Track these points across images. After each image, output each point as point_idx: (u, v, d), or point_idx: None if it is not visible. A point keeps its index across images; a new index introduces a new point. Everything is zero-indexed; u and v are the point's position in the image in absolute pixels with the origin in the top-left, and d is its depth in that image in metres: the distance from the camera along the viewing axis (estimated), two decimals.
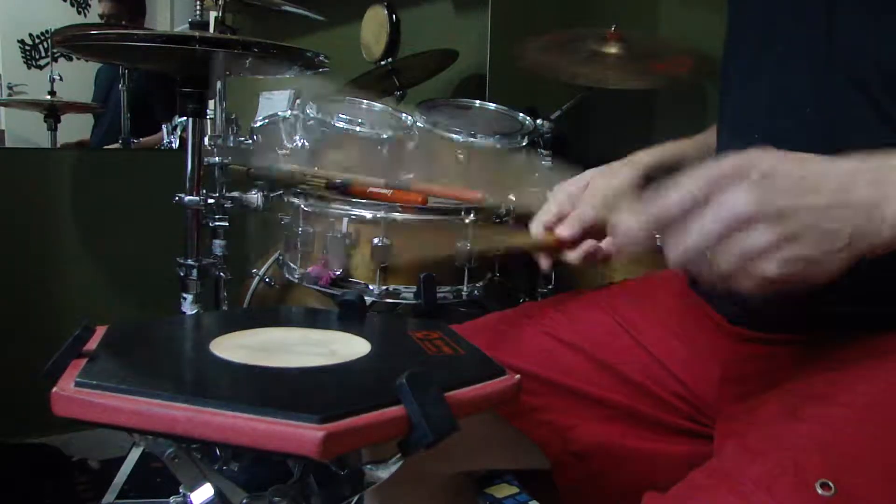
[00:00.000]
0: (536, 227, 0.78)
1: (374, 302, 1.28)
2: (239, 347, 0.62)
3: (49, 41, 1.99)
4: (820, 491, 0.46)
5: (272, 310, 1.51)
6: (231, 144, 1.53)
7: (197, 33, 1.17)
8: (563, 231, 0.77)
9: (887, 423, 0.52)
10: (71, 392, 0.51)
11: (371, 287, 1.27)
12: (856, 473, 0.48)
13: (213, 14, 1.66)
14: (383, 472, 0.55)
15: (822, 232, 0.48)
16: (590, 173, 0.80)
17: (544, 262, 0.80)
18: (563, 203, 0.78)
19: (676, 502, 0.51)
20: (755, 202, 0.48)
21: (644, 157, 0.82)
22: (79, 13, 2.03)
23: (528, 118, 1.68)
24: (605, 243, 0.78)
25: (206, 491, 0.58)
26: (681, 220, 0.51)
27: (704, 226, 0.49)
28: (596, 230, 0.77)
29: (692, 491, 0.51)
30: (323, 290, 1.30)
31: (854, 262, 0.49)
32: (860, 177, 0.49)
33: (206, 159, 1.39)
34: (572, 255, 0.77)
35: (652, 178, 0.81)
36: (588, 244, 0.77)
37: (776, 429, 0.54)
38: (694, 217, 0.50)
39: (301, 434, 0.46)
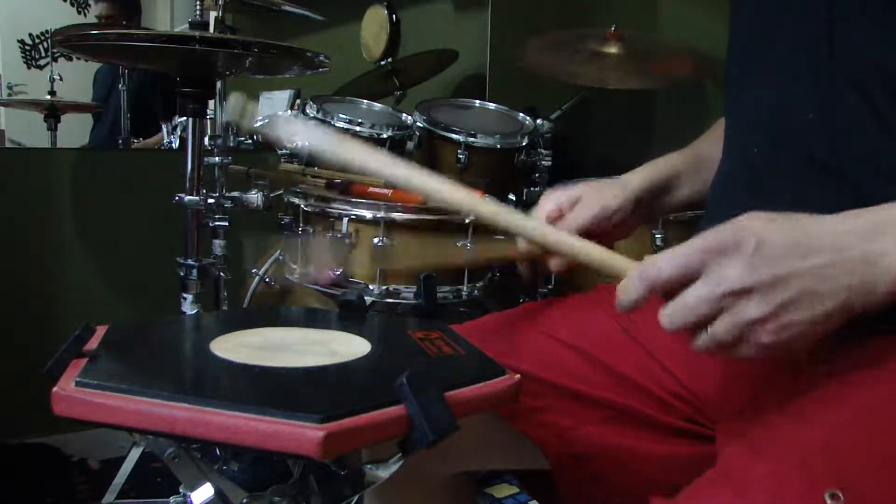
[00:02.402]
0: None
1: (374, 302, 1.28)
2: (239, 347, 0.62)
3: (49, 41, 1.99)
4: (829, 501, 0.46)
5: (272, 310, 1.51)
6: (231, 144, 1.54)
7: (197, 33, 1.17)
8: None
9: (891, 423, 0.52)
10: (71, 392, 0.51)
11: (371, 287, 1.27)
12: (863, 476, 0.48)
13: (213, 14, 1.66)
14: (383, 472, 0.55)
15: (817, 295, 0.49)
16: (581, 187, 0.79)
17: (524, 272, 0.80)
18: (552, 212, 0.77)
19: None
20: (749, 275, 0.49)
21: (634, 180, 0.82)
22: (79, 13, 2.03)
23: (528, 118, 1.68)
24: None
25: (206, 491, 0.58)
26: (676, 289, 0.52)
27: (700, 297, 0.51)
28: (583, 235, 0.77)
29: (697, 496, 0.51)
30: (323, 290, 1.30)
31: (850, 320, 0.50)
32: (854, 234, 0.50)
33: (206, 159, 1.39)
34: (553, 263, 0.76)
35: (642, 202, 0.81)
36: (566, 262, 0.76)
37: (780, 431, 0.54)
38: (688, 287, 0.51)
39: (301, 434, 0.46)
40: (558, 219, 0.77)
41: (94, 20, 2.05)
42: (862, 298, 0.49)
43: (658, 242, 1.39)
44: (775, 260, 0.49)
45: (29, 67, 2.00)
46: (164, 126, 2.13)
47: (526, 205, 1.54)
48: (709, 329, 0.51)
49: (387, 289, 1.28)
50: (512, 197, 1.48)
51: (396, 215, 1.26)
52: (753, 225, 0.51)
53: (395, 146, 1.62)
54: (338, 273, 1.28)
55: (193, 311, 1.35)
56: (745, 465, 0.51)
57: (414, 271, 1.25)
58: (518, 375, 0.59)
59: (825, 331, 0.50)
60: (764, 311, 0.49)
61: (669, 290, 0.53)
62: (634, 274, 0.54)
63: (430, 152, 1.61)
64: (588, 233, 0.77)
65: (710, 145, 0.81)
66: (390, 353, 0.65)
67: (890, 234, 0.50)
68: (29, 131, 2.02)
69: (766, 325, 0.49)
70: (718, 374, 0.69)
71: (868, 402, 0.53)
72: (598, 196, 0.78)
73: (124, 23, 2.11)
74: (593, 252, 0.63)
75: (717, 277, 0.50)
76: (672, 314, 0.52)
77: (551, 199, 0.79)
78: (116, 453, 1.66)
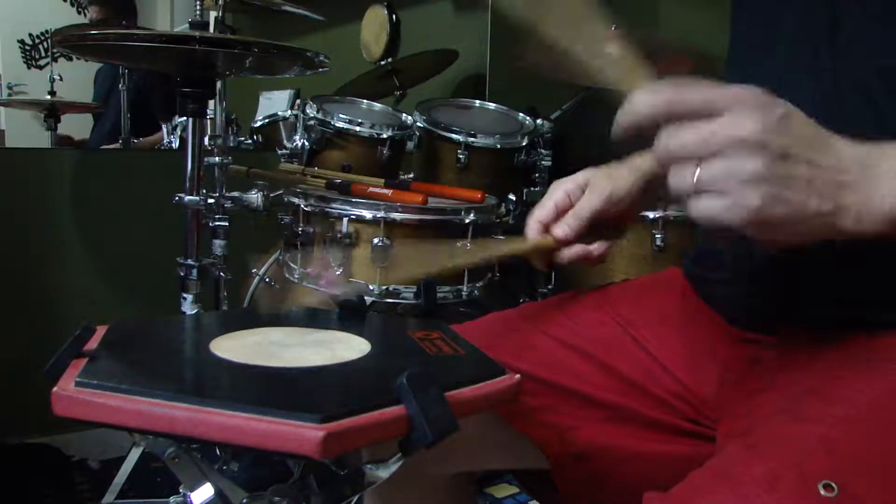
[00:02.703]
0: (533, 225, 0.78)
1: (374, 302, 1.28)
2: (239, 347, 0.62)
3: (49, 41, 1.99)
4: (823, 492, 0.46)
5: (272, 310, 1.51)
6: (231, 144, 1.54)
7: (197, 33, 1.17)
8: (560, 231, 0.77)
9: (889, 423, 0.52)
10: (71, 392, 0.51)
11: (371, 287, 1.27)
12: (858, 474, 0.48)
13: (213, 14, 1.66)
14: (383, 472, 0.55)
15: (818, 189, 0.48)
16: (588, 172, 0.79)
17: (540, 265, 0.80)
18: (561, 200, 0.78)
19: (677, 502, 0.51)
20: (765, 132, 0.47)
21: (643, 163, 0.81)
22: (79, 13, 2.03)
23: (528, 118, 1.68)
24: (597, 246, 0.78)
25: (206, 491, 0.58)
26: (689, 117, 0.49)
27: (708, 132, 0.48)
28: (594, 228, 0.78)
29: (693, 491, 0.51)
30: (323, 290, 1.30)
31: (832, 240, 0.49)
32: (885, 160, 0.49)
33: (206, 159, 1.39)
34: (564, 255, 0.77)
35: (652, 184, 0.81)
36: (579, 248, 0.77)
37: (777, 428, 0.54)
38: (702, 120, 0.48)
39: (301, 434, 0.46)
40: (568, 207, 0.77)
41: (89, 24, 2.05)
42: (852, 220, 0.49)
43: (658, 242, 1.39)
44: (795, 137, 0.48)
45: (29, 67, 2.00)
46: (164, 126, 2.13)
47: (526, 205, 1.54)
48: (698, 168, 0.48)
49: (387, 289, 1.28)
50: (512, 197, 1.48)
51: (396, 215, 1.26)
52: (791, 103, 0.49)
53: (395, 146, 1.62)
54: (338, 273, 1.28)
55: (193, 311, 1.35)
56: (741, 461, 0.51)
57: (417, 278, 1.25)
58: (518, 375, 0.59)
59: (805, 234, 0.49)
60: (761, 172, 0.47)
61: (685, 118, 0.49)
62: (659, 87, 0.51)
63: (430, 152, 1.62)
64: (598, 218, 0.77)
65: None
66: (390, 353, 0.65)
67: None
68: (29, 131, 2.02)
69: (756, 185, 0.47)
70: (719, 374, 0.70)
71: (865, 399, 0.53)
72: (606, 181, 0.78)
73: (123, 23, 2.11)
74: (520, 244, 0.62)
75: (733, 121, 0.47)
76: (664, 142, 0.50)
77: (560, 188, 0.78)
78: (116, 453, 1.66)
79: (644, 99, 0.51)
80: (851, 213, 0.49)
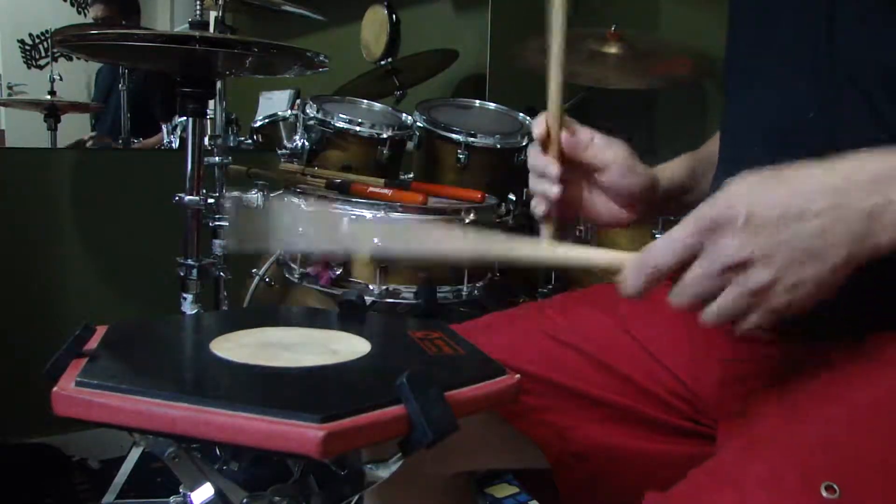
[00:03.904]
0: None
1: (374, 302, 1.28)
2: (239, 347, 0.62)
3: (49, 41, 1.99)
4: (824, 493, 0.46)
5: (272, 310, 1.51)
6: (231, 144, 1.54)
7: (197, 33, 1.17)
8: (575, 133, 0.71)
9: (890, 423, 0.52)
10: (72, 392, 0.51)
11: (371, 287, 1.27)
12: (860, 474, 0.48)
13: (213, 14, 1.66)
14: (383, 472, 0.55)
15: (818, 253, 0.49)
16: (618, 140, 0.76)
17: (538, 130, 0.71)
18: (585, 137, 0.71)
19: (677, 502, 0.51)
20: (746, 246, 0.49)
21: (660, 173, 0.79)
22: (79, 13, 2.03)
23: (528, 118, 1.68)
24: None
25: (206, 490, 0.58)
26: (678, 271, 0.52)
27: (701, 275, 0.51)
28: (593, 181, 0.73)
29: (693, 491, 0.51)
30: (323, 290, 1.30)
31: (859, 268, 0.50)
32: (854, 189, 0.49)
33: (206, 159, 1.39)
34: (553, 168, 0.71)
35: (664, 194, 0.78)
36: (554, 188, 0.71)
37: (778, 428, 0.54)
38: (689, 267, 0.52)
39: (301, 433, 0.46)
40: (588, 145, 0.71)
41: (93, 22, 2.05)
42: (866, 250, 0.49)
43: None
44: (768, 229, 0.49)
45: (29, 67, 2.00)
46: (164, 126, 2.13)
47: (526, 204, 1.54)
48: (719, 301, 0.51)
49: (386, 289, 1.28)
50: (512, 197, 1.48)
51: (396, 215, 1.26)
52: (742, 193, 0.51)
53: (395, 146, 1.62)
54: (338, 273, 1.28)
55: (193, 311, 1.35)
56: (742, 461, 0.51)
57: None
58: (518, 375, 0.59)
59: (833, 284, 0.50)
60: (767, 278, 0.49)
61: (672, 274, 0.53)
62: (633, 266, 0.54)
63: (430, 152, 1.61)
64: (604, 182, 0.72)
65: None
66: (390, 353, 0.65)
67: (890, 184, 0.49)
68: (29, 131, 2.02)
69: (773, 289, 0.49)
70: (719, 374, 0.70)
71: (866, 399, 0.53)
72: (630, 152, 0.73)
73: (123, 23, 2.11)
74: (595, 255, 0.62)
75: (713, 254, 0.50)
76: (677, 294, 0.53)
77: (587, 129, 0.72)
78: (116, 453, 1.66)
79: (632, 289, 0.54)
80: (864, 243, 0.49)
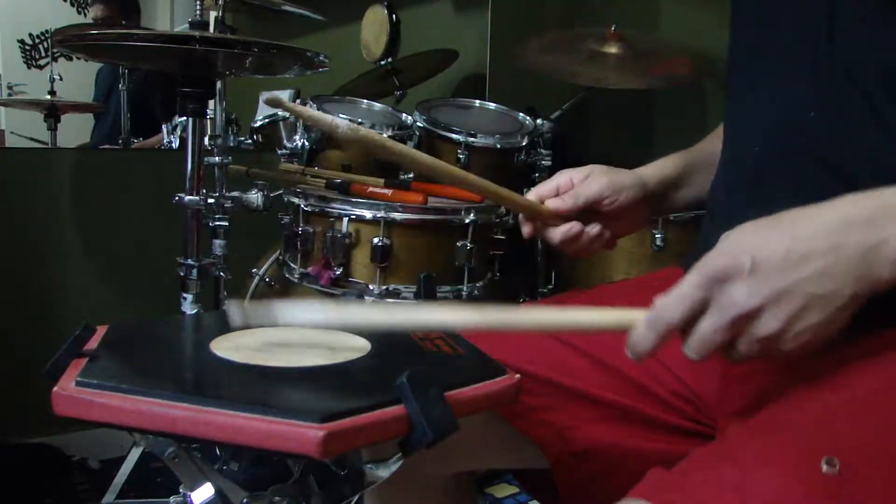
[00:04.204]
0: (531, 197, 0.78)
1: (374, 302, 1.28)
2: (239, 347, 0.62)
3: (49, 41, 1.99)
4: (825, 468, 0.46)
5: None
6: (231, 144, 1.54)
7: (197, 33, 1.17)
8: (557, 202, 0.77)
9: (890, 411, 0.52)
10: (72, 391, 0.51)
11: (371, 287, 1.27)
12: (860, 454, 0.48)
13: (213, 14, 1.66)
14: (383, 472, 0.55)
15: (824, 297, 0.50)
16: (592, 166, 0.80)
17: (527, 229, 0.79)
18: (564, 182, 0.78)
19: (678, 476, 0.51)
20: (753, 296, 0.50)
21: (647, 172, 0.82)
22: (79, 13, 2.03)
23: (528, 118, 1.68)
24: (590, 229, 0.78)
25: (207, 490, 0.58)
26: (689, 325, 0.53)
27: (713, 328, 0.52)
28: (590, 213, 0.78)
29: (694, 468, 0.51)
30: (323, 290, 1.30)
31: (863, 304, 0.51)
32: (852, 228, 0.50)
33: (206, 159, 1.39)
34: (556, 232, 0.77)
35: (654, 194, 0.81)
36: (572, 225, 0.77)
37: (779, 413, 0.54)
38: (700, 319, 0.52)
39: (301, 433, 0.46)
40: (569, 189, 0.77)
41: (93, 22, 2.05)
42: (869, 286, 0.50)
43: (658, 242, 1.39)
44: (774, 274, 0.50)
45: (29, 67, 2.00)
46: (164, 126, 2.13)
47: None
48: (734, 350, 0.52)
49: (386, 289, 1.28)
50: None
51: (396, 215, 1.26)
52: (745, 241, 0.52)
53: None
54: (338, 273, 1.28)
55: (193, 311, 1.35)
56: (742, 441, 0.52)
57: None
58: (518, 375, 0.59)
59: (843, 322, 0.51)
60: (777, 326, 0.50)
61: (685, 328, 0.53)
62: (643, 325, 0.54)
63: (430, 152, 1.61)
64: (595, 209, 0.77)
65: (719, 143, 0.81)
66: (390, 353, 0.65)
67: (887, 221, 0.50)
68: (29, 131, 2.02)
69: (784, 336, 0.50)
70: (719, 374, 0.70)
71: (867, 388, 0.54)
72: (609, 173, 0.79)
73: (123, 23, 2.11)
74: (596, 316, 0.61)
75: (722, 306, 0.51)
76: (693, 349, 0.53)
77: (563, 174, 0.79)
78: (116, 453, 1.66)
79: (643, 348, 0.55)
80: (868, 280, 0.50)
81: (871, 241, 0.49)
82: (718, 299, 0.51)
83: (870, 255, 0.49)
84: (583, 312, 0.61)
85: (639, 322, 0.55)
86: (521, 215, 0.80)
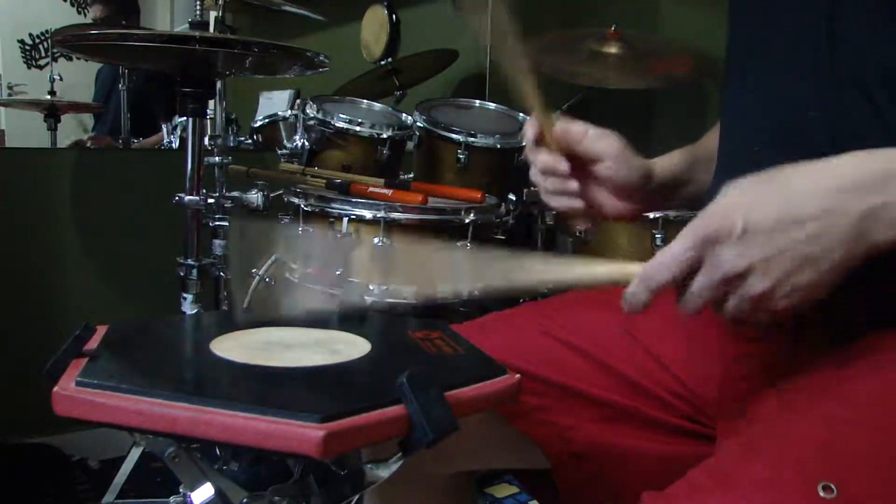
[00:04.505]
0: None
1: (374, 302, 1.28)
2: (239, 347, 0.62)
3: (49, 41, 1.99)
4: (822, 493, 0.46)
5: (272, 310, 1.51)
6: (231, 144, 1.54)
7: (197, 33, 1.17)
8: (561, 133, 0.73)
9: (888, 421, 0.52)
10: (72, 392, 0.51)
11: (371, 287, 1.27)
12: (857, 474, 0.48)
13: (213, 14, 1.66)
14: (383, 472, 0.55)
15: (815, 257, 0.50)
16: (613, 132, 0.77)
17: (530, 132, 0.74)
18: (578, 131, 0.73)
19: (675, 502, 0.51)
20: (742, 257, 0.50)
21: (656, 164, 0.80)
22: (79, 13, 2.03)
23: (528, 118, 1.68)
24: (571, 183, 0.74)
25: (207, 490, 0.58)
26: (680, 283, 0.54)
27: (703, 287, 0.53)
28: (585, 172, 0.75)
29: (691, 490, 0.51)
30: (323, 289, 1.30)
31: (860, 263, 0.50)
32: (850, 191, 0.50)
33: (206, 159, 1.39)
34: (540, 157, 0.73)
35: (661, 185, 0.79)
36: (559, 160, 0.73)
37: (777, 427, 0.54)
38: (690, 279, 0.53)
39: (301, 433, 0.46)
40: (582, 137, 0.73)
41: (92, 22, 2.05)
42: (862, 249, 0.50)
43: (658, 242, 1.39)
44: (765, 236, 0.50)
45: (29, 67, 2.00)
46: (164, 126, 2.13)
47: (526, 205, 1.54)
48: (724, 306, 0.53)
49: (387, 289, 1.28)
50: (512, 197, 1.48)
51: (396, 215, 1.26)
52: (737, 203, 0.52)
53: (395, 146, 1.62)
54: (338, 273, 1.28)
55: (193, 311, 1.35)
56: (739, 461, 0.51)
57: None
58: (518, 375, 0.59)
59: (831, 283, 0.51)
60: (766, 286, 0.50)
61: (676, 285, 0.54)
62: (637, 280, 0.55)
63: (430, 152, 1.61)
64: (601, 174, 0.74)
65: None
66: (390, 353, 0.65)
67: (888, 183, 0.50)
68: (29, 131, 2.02)
69: (774, 294, 0.51)
70: (718, 374, 0.70)
71: (865, 398, 0.53)
72: (624, 145, 0.75)
73: (123, 23, 2.11)
74: (597, 268, 0.62)
75: (712, 266, 0.52)
76: (683, 304, 0.54)
77: (581, 124, 0.74)
78: (116, 453, 1.66)
79: (635, 302, 0.56)
80: (861, 242, 0.50)
81: (869, 204, 0.49)
82: (708, 260, 0.52)
83: (868, 218, 0.49)
84: (583, 266, 0.62)
85: (633, 276, 0.56)
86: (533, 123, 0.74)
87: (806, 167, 0.52)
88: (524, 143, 0.76)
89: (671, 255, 0.53)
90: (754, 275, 0.50)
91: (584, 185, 0.75)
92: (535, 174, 0.76)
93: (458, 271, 0.68)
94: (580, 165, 0.74)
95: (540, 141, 0.74)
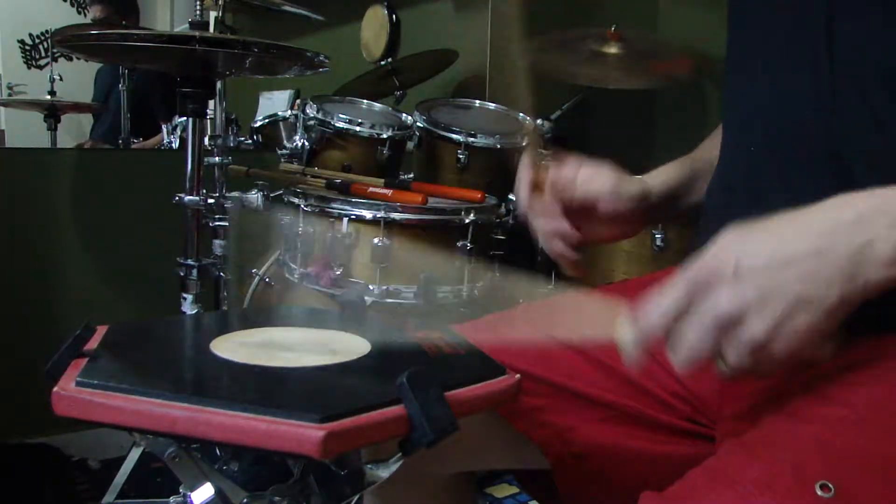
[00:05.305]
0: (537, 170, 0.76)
1: (374, 302, 1.28)
2: (239, 347, 0.62)
3: (49, 41, 1.99)
4: (819, 492, 0.46)
5: (272, 310, 1.51)
6: (231, 144, 1.54)
7: (197, 33, 1.17)
8: (554, 169, 0.75)
9: (887, 423, 0.52)
10: (72, 392, 0.51)
11: (371, 287, 1.27)
12: (855, 474, 0.48)
13: (213, 14, 1.66)
14: (383, 472, 0.55)
15: (810, 299, 0.48)
16: (603, 164, 0.78)
17: (524, 191, 0.77)
18: (570, 171, 0.76)
19: (674, 502, 0.51)
20: (735, 299, 0.49)
21: (653, 182, 0.80)
22: (79, 13, 2.03)
23: (528, 118, 1.68)
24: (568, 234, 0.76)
25: (207, 490, 0.58)
26: (673, 330, 0.52)
27: (696, 334, 0.50)
28: (582, 215, 0.76)
29: (690, 491, 0.51)
30: (323, 290, 1.30)
31: (860, 302, 0.49)
32: (838, 230, 0.49)
33: (206, 159, 1.39)
34: (539, 220, 0.75)
35: (658, 204, 0.80)
36: (558, 222, 0.75)
37: (775, 428, 0.54)
38: (683, 325, 0.51)
39: (301, 433, 0.46)
40: (574, 180, 0.75)
41: (91, 23, 2.05)
42: (857, 289, 0.49)
43: (658, 243, 1.39)
44: (757, 277, 0.49)
45: (29, 67, 2.00)
46: (164, 126, 2.13)
47: None
48: (724, 359, 0.51)
49: (387, 289, 1.28)
50: (512, 197, 1.48)
51: (396, 215, 1.26)
52: (729, 246, 0.51)
53: (395, 146, 1.62)
54: (338, 273, 1.28)
55: (193, 311, 1.35)
56: (739, 463, 0.51)
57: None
58: (518, 375, 0.59)
59: (830, 326, 0.50)
60: (762, 328, 0.49)
61: (669, 333, 0.52)
62: (629, 331, 0.54)
63: (430, 152, 1.62)
64: (595, 209, 0.75)
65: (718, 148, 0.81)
66: (390, 353, 0.65)
67: (874, 222, 0.49)
68: (29, 131, 2.02)
69: (772, 339, 0.49)
70: (718, 374, 0.70)
71: (864, 401, 0.53)
72: (617, 174, 0.76)
73: (123, 23, 2.11)
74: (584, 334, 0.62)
75: (705, 310, 0.50)
76: (679, 359, 0.52)
77: (573, 161, 0.76)
78: (116, 453, 1.66)
79: (631, 353, 0.54)
80: (855, 282, 0.49)
81: (856, 243, 0.48)
82: (701, 303, 0.50)
83: (856, 257, 0.48)
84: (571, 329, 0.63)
85: (623, 333, 0.54)
86: (525, 171, 0.77)
87: (798, 211, 0.51)
88: (518, 191, 0.79)
89: (661, 302, 0.52)
90: (750, 318, 0.49)
91: (583, 221, 0.76)
92: (534, 221, 0.77)
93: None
94: (579, 206, 0.76)
95: (535, 187, 0.76)
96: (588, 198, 0.75)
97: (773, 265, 0.49)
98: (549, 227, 0.76)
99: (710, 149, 0.85)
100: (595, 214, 0.77)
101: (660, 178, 0.82)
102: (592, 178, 0.75)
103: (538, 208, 0.76)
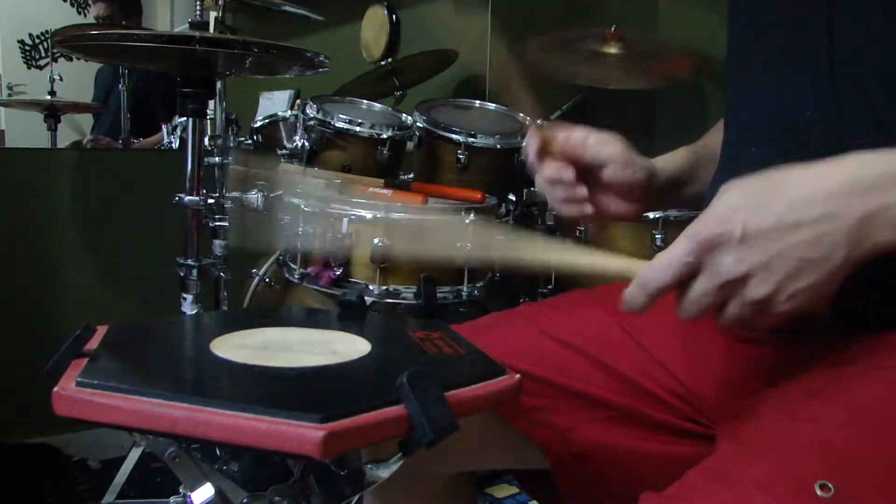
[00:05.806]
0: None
1: (374, 302, 1.28)
2: (239, 347, 0.62)
3: (49, 41, 1.99)
4: (819, 492, 0.46)
5: (272, 310, 1.51)
6: (231, 144, 1.54)
7: (197, 33, 1.17)
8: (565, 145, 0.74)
9: (886, 422, 0.52)
10: (72, 392, 0.51)
11: (371, 287, 1.27)
12: (855, 474, 0.48)
13: (213, 14, 1.66)
14: (383, 472, 0.55)
15: (815, 261, 0.49)
16: (613, 134, 0.77)
17: (532, 145, 0.75)
18: (580, 137, 0.75)
19: (674, 502, 0.51)
20: (742, 262, 0.50)
21: (659, 163, 0.80)
22: (79, 13, 2.03)
23: (528, 118, 1.68)
24: (579, 189, 0.75)
25: (207, 490, 0.58)
26: (679, 287, 0.53)
27: (702, 292, 0.52)
28: (591, 178, 0.75)
29: (690, 491, 0.51)
30: (323, 290, 1.30)
31: (863, 263, 0.50)
32: (848, 195, 0.49)
33: (206, 159, 1.39)
34: (547, 167, 0.74)
35: (663, 186, 0.79)
36: (567, 169, 0.74)
37: (775, 428, 0.54)
38: (690, 283, 0.52)
39: (301, 433, 0.46)
40: (585, 144, 0.74)
41: (94, 20, 2.05)
42: (864, 251, 0.49)
43: (658, 242, 1.39)
44: (764, 242, 0.50)
45: (29, 67, 2.00)
46: (164, 126, 2.13)
47: (526, 205, 1.54)
48: (725, 312, 0.52)
49: (386, 289, 1.28)
50: (512, 197, 1.48)
51: (396, 215, 1.26)
52: (736, 207, 0.51)
53: (395, 146, 1.62)
54: (338, 273, 1.28)
55: (193, 311, 1.35)
56: (738, 461, 0.51)
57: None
58: (518, 375, 0.59)
59: (834, 285, 0.50)
60: (767, 290, 0.50)
61: (675, 290, 0.54)
62: (635, 283, 0.55)
63: (430, 152, 1.62)
64: (602, 177, 0.75)
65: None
66: (390, 353, 0.65)
67: (890, 186, 0.49)
68: (29, 131, 2.02)
69: (775, 299, 0.50)
70: (718, 374, 0.70)
71: (864, 401, 0.53)
72: (626, 146, 0.76)
73: (123, 23, 2.11)
74: (602, 260, 0.62)
75: (712, 273, 0.51)
76: (683, 310, 0.54)
77: (582, 129, 0.75)
78: (116, 453, 1.66)
79: (634, 305, 0.55)
80: (861, 245, 0.49)
81: (870, 206, 0.49)
82: (709, 266, 0.51)
83: (869, 221, 0.49)
84: (588, 255, 0.63)
85: (634, 276, 0.55)
86: (533, 136, 0.75)
87: (805, 169, 0.52)
88: (526, 155, 0.77)
89: (669, 260, 0.53)
90: (754, 280, 0.50)
91: (589, 189, 0.76)
92: (541, 185, 0.77)
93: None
94: (584, 171, 0.75)
95: (543, 151, 0.75)
96: (598, 161, 0.74)
97: (780, 230, 0.50)
98: (560, 193, 0.76)
99: (714, 138, 0.85)
100: (602, 183, 0.76)
101: (666, 161, 0.82)
102: (603, 143, 0.74)
103: (548, 172, 0.75)
